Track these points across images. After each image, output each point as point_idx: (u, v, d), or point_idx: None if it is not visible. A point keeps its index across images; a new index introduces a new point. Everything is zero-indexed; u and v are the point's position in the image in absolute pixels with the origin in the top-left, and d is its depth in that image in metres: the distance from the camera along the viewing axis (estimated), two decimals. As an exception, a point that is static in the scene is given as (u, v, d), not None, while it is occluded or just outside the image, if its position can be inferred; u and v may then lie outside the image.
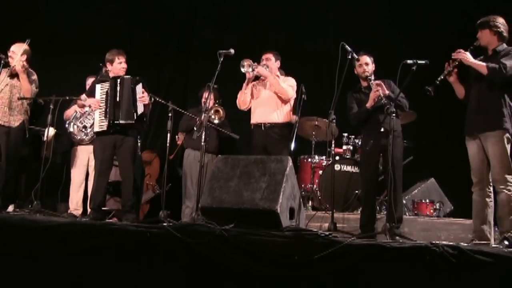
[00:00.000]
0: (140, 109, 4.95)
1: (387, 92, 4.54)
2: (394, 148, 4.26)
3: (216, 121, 5.60)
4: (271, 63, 5.19)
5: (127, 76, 5.02)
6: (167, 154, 4.82)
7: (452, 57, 4.08)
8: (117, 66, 5.05)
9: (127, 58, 5.14)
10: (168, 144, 4.84)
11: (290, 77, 5.34)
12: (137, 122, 4.97)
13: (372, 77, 4.66)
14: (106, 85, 5.02)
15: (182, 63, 7.67)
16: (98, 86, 5.07)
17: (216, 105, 5.66)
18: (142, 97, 4.95)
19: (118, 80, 4.99)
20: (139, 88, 4.99)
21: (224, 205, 3.69)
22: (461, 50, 4.04)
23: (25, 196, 5.51)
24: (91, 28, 7.23)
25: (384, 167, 4.63)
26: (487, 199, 3.98)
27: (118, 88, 4.96)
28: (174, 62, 7.67)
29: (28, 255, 3.42)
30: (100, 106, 4.97)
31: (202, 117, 5.00)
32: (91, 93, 5.10)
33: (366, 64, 4.70)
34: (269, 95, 5.17)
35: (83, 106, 5.28)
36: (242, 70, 5.05)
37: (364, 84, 4.75)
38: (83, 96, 5.14)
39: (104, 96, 5.00)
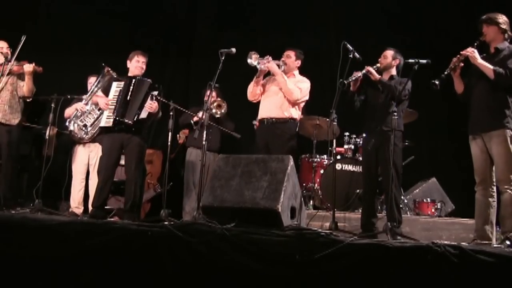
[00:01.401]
0: (143, 115, 4.91)
1: (377, 76, 4.54)
2: (386, 148, 4.26)
3: (217, 116, 5.58)
4: (290, 60, 5.14)
5: (148, 80, 5.00)
6: (168, 153, 4.82)
7: (461, 53, 4.06)
8: (134, 63, 5.06)
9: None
10: (169, 143, 4.83)
11: (306, 78, 5.24)
12: (135, 125, 4.89)
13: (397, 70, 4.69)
14: (122, 84, 5.02)
15: (184, 62, 7.67)
16: (114, 84, 5.07)
17: (219, 99, 5.64)
18: (151, 104, 4.90)
19: (134, 80, 4.98)
20: (152, 95, 4.95)
21: (225, 204, 3.69)
22: (469, 48, 4.01)
23: (27, 195, 5.52)
24: (92, 28, 7.23)
25: (380, 166, 4.59)
26: (490, 199, 3.96)
27: (131, 88, 4.94)
28: (176, 62, 7.67)
29: (30, 253, 3.42)
30: (109, 107, 4.95)
31: (201, 114, 5.00)
32: (106, 91, 5.10)
33: (384, 56, 4.68)
34: (277, 91, 5.10)
35: (97, 102, 5.26)
36: (249, 61, 5.00)
37: (384, 76, 4.70)
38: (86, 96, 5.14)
39: (117, 94, 4.99)
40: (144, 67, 5.11)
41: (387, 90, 4.51)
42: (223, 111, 5.60)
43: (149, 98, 4.93)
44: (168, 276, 3.26)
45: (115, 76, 5.37)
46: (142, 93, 4.93)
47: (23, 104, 5.25)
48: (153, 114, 4.97)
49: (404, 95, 4.48)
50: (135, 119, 4.87)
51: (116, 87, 5.03)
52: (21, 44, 5.11)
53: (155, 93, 4.96)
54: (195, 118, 5.54)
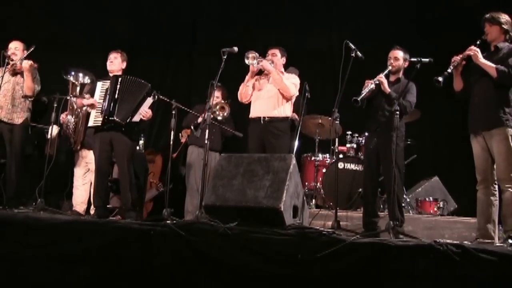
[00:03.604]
0: (136, 119, 4.94)
1: (388, 90, 4.51)
2: (388, 148, 4.24)
3: (219, 118, 5.57)
4: (276, 58, 5.14)
5: (148, 84, 5.02)
6: (170, 152, 4.82)
7: (464, 53, 4.05)
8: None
9: (128, 57, 5.22)
10: (171, 142, 4.83)
11: (294, 74, 5.29)
12: (126, 127, 4.92)
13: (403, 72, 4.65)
14: (107, 83, 5.03)
15: (186, 62, 7.67)
16: (99, 84, 5.08)
17: (223, 101, 5.64)
18: (146, 112, 4.95)
19: (119, 79, 5.00)
20: (148, 101, 4.97)
21: (227, 203, 3.69)
22: (472, 47, 4.01)
23: (29, 194, 5.53)
24: (94, 27, 7.23)
25: (382, 165, 4.56)
26: (492, 198, 3.96)
27: (119, 86, 4.95)
28: (178, 61, 7.67)
29: (32, 252, 3.43)
30: (97, 106, 4.97)
31: (205, 114, 4.99)
32: (92, 93, 5.12)
33: (395, 58, 4.62)
34: (271, 89, 5.09)
35: (82, 105, 5.27)
36: (246, 61, 4.98)
37: (391, 78, 4.69)
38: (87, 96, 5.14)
39: (103, 93, 5.00)
40: (114, 62, 5.11)
41: (391, 102, 4.49)
42: (225, 114, 5.59)
43: (146, 103, 4.94)
44: (170, 275, 3.26)
45: (78, 84, 5.34)
46: (138, 95, 4.95)
47: (30, 103, 5.24)
48: (144, 120, 5.01)
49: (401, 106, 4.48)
50: (127, 121, 4.90)
51: (101, 86, 5.05)
52: (30, 51, 5.13)
53: (149, 97, 4.96)
54: (200, 119, 5.54)
